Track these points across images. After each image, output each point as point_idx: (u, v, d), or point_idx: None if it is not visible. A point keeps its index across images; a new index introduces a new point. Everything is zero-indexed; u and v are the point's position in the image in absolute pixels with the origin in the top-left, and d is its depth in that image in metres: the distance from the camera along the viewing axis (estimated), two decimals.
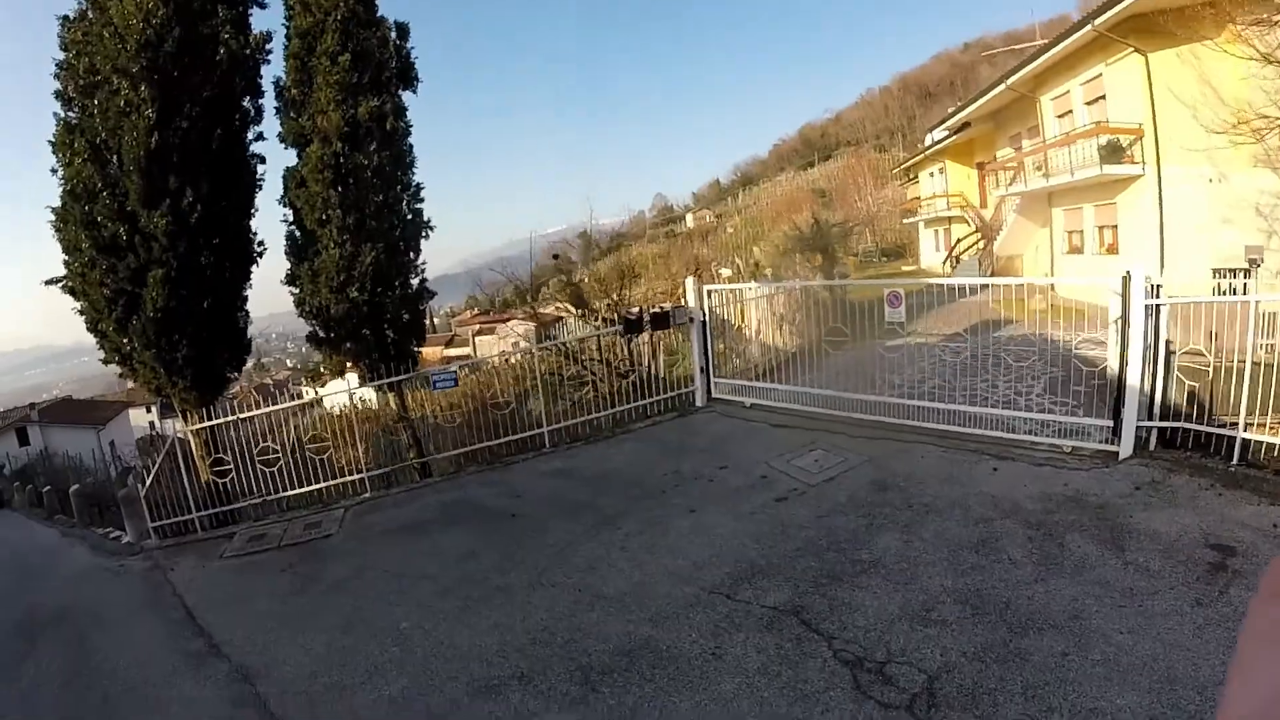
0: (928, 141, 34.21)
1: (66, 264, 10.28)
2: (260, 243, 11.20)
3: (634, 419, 11.58)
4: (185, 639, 6.82)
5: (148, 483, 10.19)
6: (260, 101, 11.19)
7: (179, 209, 9.85)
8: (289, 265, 11.37)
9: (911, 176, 36.18)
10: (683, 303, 11.91)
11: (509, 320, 52.22)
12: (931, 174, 33.32)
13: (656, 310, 11.77)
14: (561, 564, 6.81)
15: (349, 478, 10.48)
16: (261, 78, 11.09)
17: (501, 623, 5.92)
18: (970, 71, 69.79)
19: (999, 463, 7.70)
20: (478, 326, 64.36)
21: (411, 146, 11.48)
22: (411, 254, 11.64)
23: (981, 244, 27.10)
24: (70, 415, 41.35)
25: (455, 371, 11.08)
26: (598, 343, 12.02)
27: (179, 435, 10.42)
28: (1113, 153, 18.01)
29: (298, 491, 10.43)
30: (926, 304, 13.93)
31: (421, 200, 11.70)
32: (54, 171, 10.25)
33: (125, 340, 10.18)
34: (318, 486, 10.37)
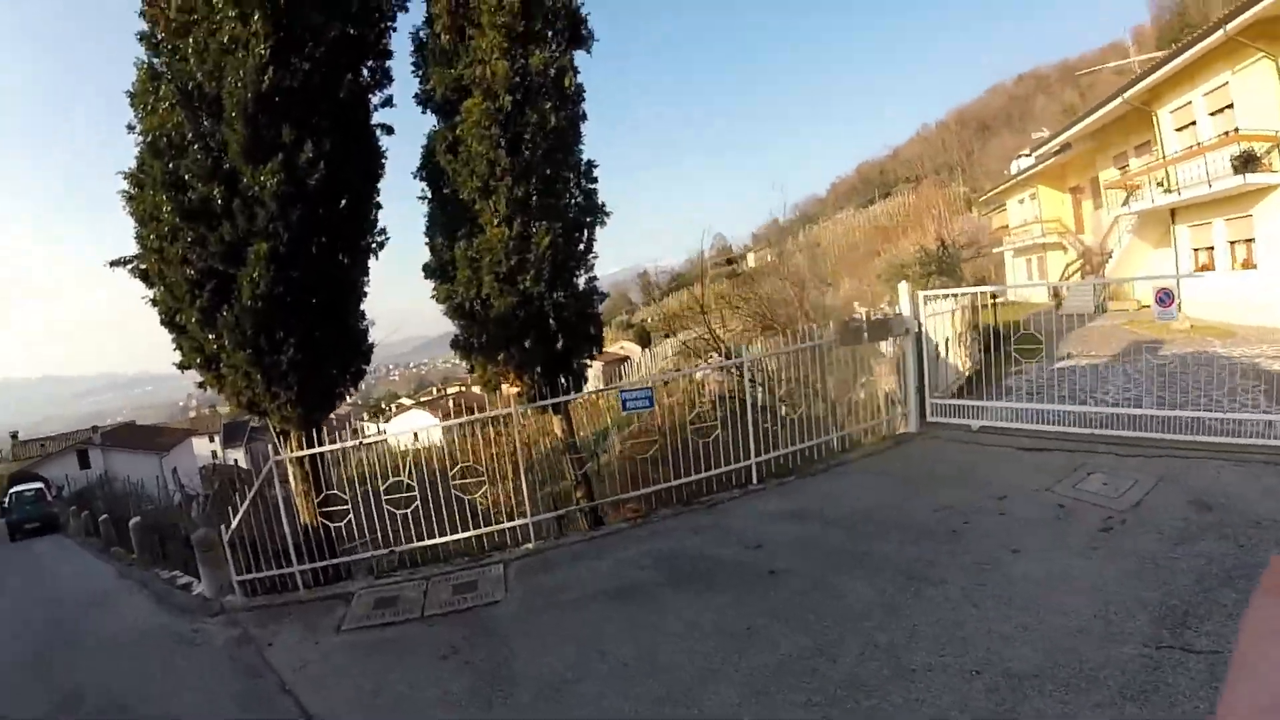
0: (1013, 169, 31.27)
1: (140, 238, 7.39)
2: (382, 230, 8.19)
3: (842, 449, 8.94)
4: None
5: (234, 524, 7.20)
6: (387, 64, 8.22)
7: (294, 166, 6.95)
8: (434, 249, 8.41)
9: (996, 205, 33.20)
10: (898, 311, 9.25)
11: None
12: (1021, 200, 29.90)
13: (878, 318, 8.89)
14: (905, 636, 4.52)
15: (506, 524, 7.44)
16: (394, 27, 8.13)
17: None
18: (1026, 104, 66.87)
19: None
20: None
21: (585, 114, 8.59)
22: (582, 244, 8.64)
23: (1080, 270, 24.04)
24: (133, 440, 38.60)
25: (651, 389, 8.03)
26: (810, 355, 8.84)
27: (276, 461, 7.42)
28: (1246, 163, 15.85)
29: (435, 542, 7.38)
30: (1052, 330, 12.13)
31: (595, 180, 8.75)
32: (130, 129, 7.45)
33: (211, 336, 7.24)
34: (469, 535, 7.32)
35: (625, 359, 50.51)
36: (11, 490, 24.14)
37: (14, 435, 41.85)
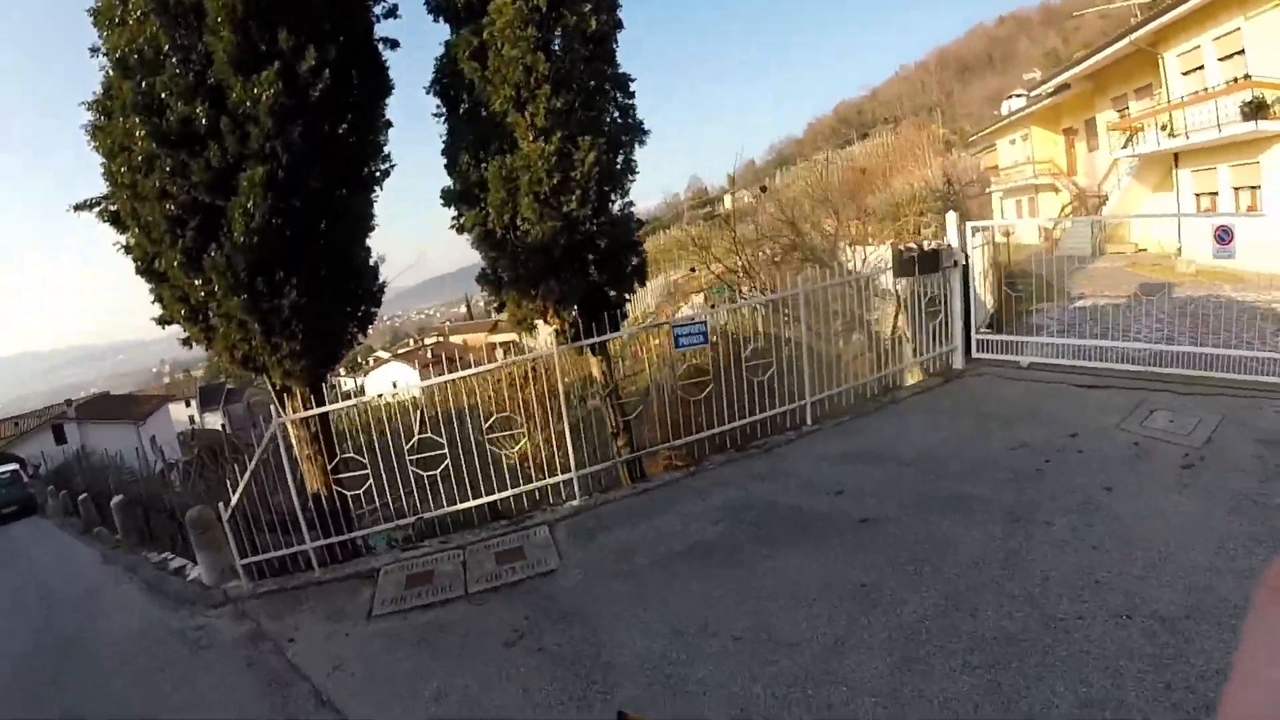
0: (1004, 109, 30.42)
1: (109, 173, 6.14)
2: (387, 157, 6.92)
3: (892, 386, 8.41)
4: None
5: (234, 500, 6.15)
6: None
7: (293, 76, 5.74)
8: (458, 170, 7.23)
9: (985, 146, 32.21)
10: (946, 243, 8.53)
11: None
12: (1013, 141, 28.97)
13: (930, 249, 8.24)
14: (1038, 584, 4.03)
15: (549, 480, 6.46)
16: None
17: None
18: (1007, 45, 65.31)
19: None
20: None
21: (621, 22, 7.36)
22: (619, 165, 7.51)
23: (1074, 211, 23.35)
24: (108, 411, 36.46)
25: (705, 324, 7.08)
26: (856, 289, 8.04)
27: (279, 425, 6.34)
28: (1257, 110, 15.35)
29: (467, 505, 6.38)
30: (1056, 270, 12.34)
31: (632, 96, 7.59)
32: (94, 51, 6.15)
33: (198, 281, 6.05)
34: (506, 495, 6.36)
35: None
36: None
37: None
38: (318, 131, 6.03)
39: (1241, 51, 16.24)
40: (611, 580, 5.02)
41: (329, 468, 6.49)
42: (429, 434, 6.21)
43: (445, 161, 7.42)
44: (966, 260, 8.58)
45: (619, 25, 7.21)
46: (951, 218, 8.67)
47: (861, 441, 6.80)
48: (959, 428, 6.76)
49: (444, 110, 7.41)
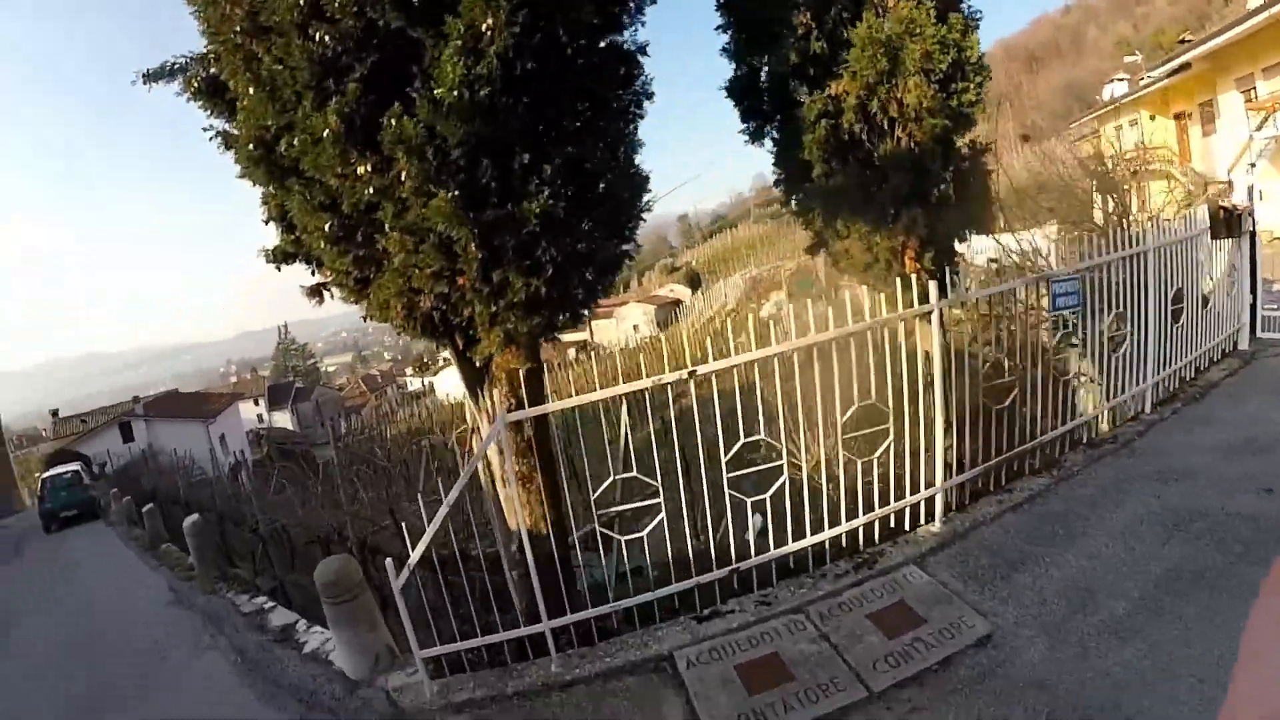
0: (1106, 95, 27.34)
1: (210, 7, 3.32)
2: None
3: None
4: None
5: (413, 560, 3.28)
6: None
7: None
8: (787, 37, 4.35)
9: (1087, 133, 28.95)
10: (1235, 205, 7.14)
11: (625, 304, 45.72)
12: (1119, 127, 25.13)
13: (1229, 211, 6.68)
14: None
15: (909, 499, 4.00)
16: None
17: None
18: (1076, 34, 60.23)
19: None
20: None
21: None
22: None
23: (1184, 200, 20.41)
24: (177, 409, 33.55)
25: (1078, 279, 4.80)
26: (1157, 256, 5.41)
27: (502, 429, 3.53)
28: None
29: (794, 547, 3.58)
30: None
31: None
32: None
33: (362, 169, 3.21)
34: (859, 523, 3.87)
35: (677, 302, 45.89)
36: (46, 475, 19.19)
37: (54, 413, 36.55)
38: None
39: None
40: (1109, 645, 2.84)
41: (593, 500, 3.63)
42: (762, 435, 3.39)
43: (729, 44, 4.58)
44: (1254, 227, 6.95)
45: None
46: (1242, 177, 6.64)
47: (1226, 431, 5.01)
48: None
49: None
